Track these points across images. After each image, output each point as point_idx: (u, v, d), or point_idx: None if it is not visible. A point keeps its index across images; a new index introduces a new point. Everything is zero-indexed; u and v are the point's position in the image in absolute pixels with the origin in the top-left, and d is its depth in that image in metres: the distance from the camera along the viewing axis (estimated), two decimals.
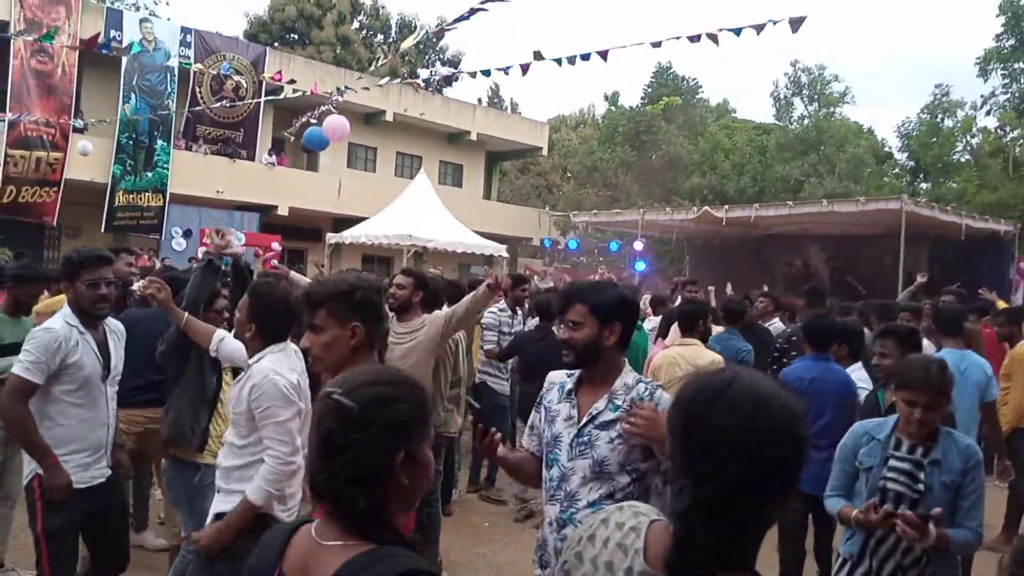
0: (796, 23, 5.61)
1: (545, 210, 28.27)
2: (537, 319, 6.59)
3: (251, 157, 21.40)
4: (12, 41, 16.64)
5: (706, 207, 16.69)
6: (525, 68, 7.04)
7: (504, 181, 37.05)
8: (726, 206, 16.60)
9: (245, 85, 19.26)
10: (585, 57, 6.75)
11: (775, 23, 5.56)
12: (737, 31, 5.65)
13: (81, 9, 18.49)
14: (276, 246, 17.21)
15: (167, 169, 19.51)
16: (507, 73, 7.57)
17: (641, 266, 17.36)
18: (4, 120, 16.22)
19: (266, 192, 20.97)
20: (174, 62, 19.47)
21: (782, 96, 26.24)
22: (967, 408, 4.97)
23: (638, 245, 17.70)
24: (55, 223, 18.24)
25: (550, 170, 38.38)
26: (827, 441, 4.50)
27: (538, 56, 6.60)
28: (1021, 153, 22.30)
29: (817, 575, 4.67)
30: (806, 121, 25.26)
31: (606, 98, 32.69)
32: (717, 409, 1.22)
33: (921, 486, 3.02)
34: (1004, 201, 19.55)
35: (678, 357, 5.06)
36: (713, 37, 5.76)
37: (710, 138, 25.61)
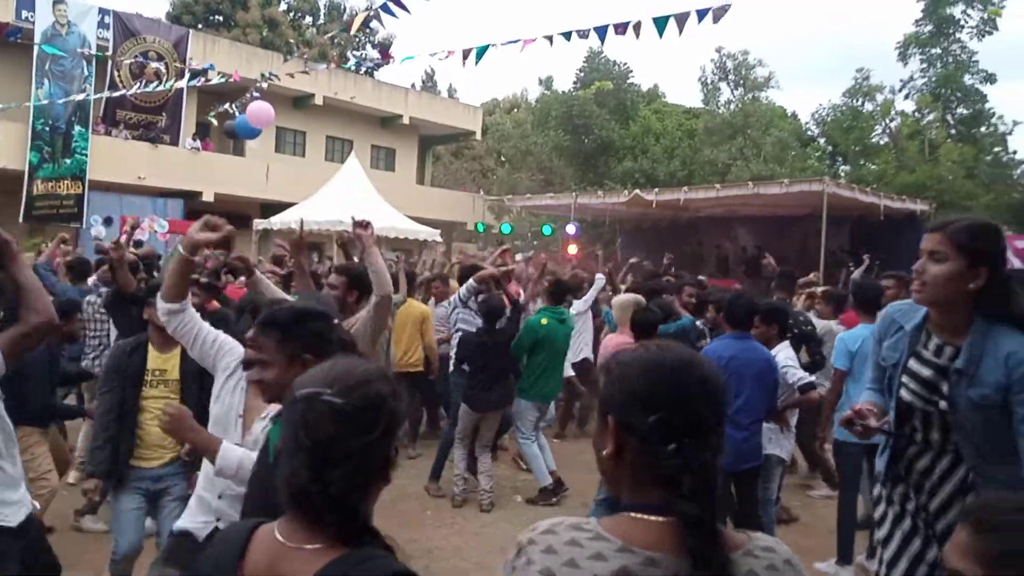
0: (720, 12, 5.70)
1: (479, 194, 28.20)
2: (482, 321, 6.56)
3: (175, 142, 20.78)
4: None
5: (637, 190, 16.87)
6: (467, 53, 7.01)
7: (438, 165, 36.81)
8: (656, 189, 16.82)
9: (166, 69, 18.64)
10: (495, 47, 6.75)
11: (701, 15, 5.62)
12: (662, 22, 5.71)
13: None
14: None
15: (86, 156, 18.81)
16: (444, 58, 7.51)
17: (574, 249, 17.47)
18: None
19: (191, 178, 20.39)
20: (91, 46, 18.72)
21: (709, 81, 26.69)
22: None
23: (571, 228, 17.81)
24: None
25: (484, 154, 38.28)
26: (749, 419, 4.64)
27: (466, 54, 6.58)
28: (937, 136, 23.15)
29: None
30: (732, 106, 25.74)
31: (540, 82, 32.76)
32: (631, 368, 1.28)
33: (943, 403, 2.41)
34: (921, 182, 20.29)
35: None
36: (637, 28, 5.81)
37: (641, 122, 25.89)
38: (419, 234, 18.49)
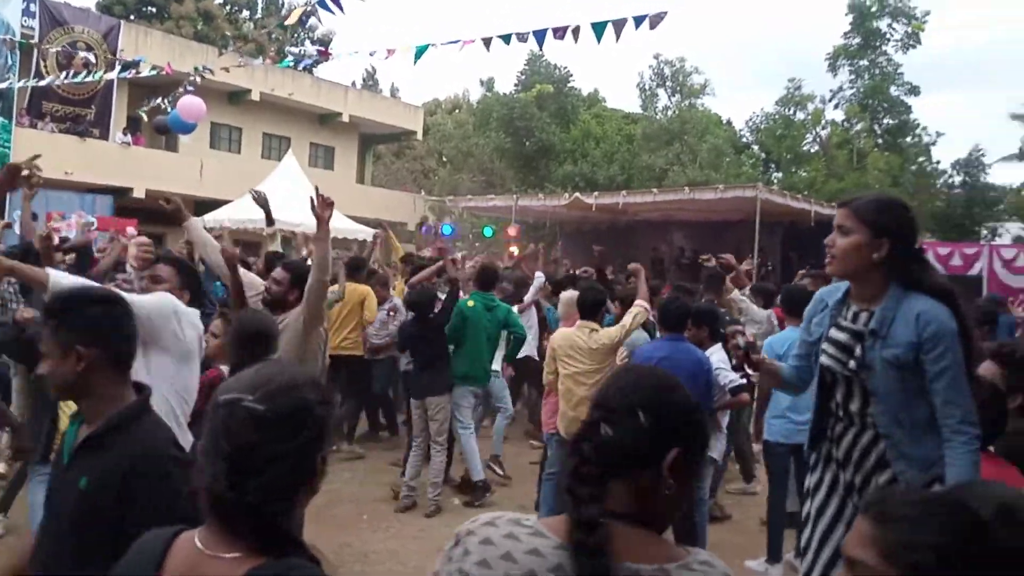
0: (656, 19, 5.79)
1: (420, 195, 28.08)
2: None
3: (104, 136, 20.11)
4: None
5: (577, 194, 17.04)
6: (420, 54, 6.97)
7: (379, 165, 36.48)
8: (596, 193, 17.01)
9: (95, 60, 18.04)
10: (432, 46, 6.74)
11: (638, 22, 5.71)
12: (600, 28, 5.78)
13: None
14: (132, 230, 16.25)
15: (8, 148, 18.04)
16: (385, 58, 7.45)
17: (514, 250, 17.53)
18: None
19: (121, 173, 19.75)
20: (15, 33, 17.99)
21: (647, 87, 27.12)
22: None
23: (511, 230, 17.88)
24: None
25: (425, 154, 38.09)
26: None
27: (391, 51, 6.51)
28: (865, 145, 23.98)
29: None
30: (670, 112, 26.22)
31: (482, 83, 32.75)
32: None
33: (853, 363, 2.54)
34: (849, 189, 21.00)
35: (575, 337, 5.28)
36: (576, 33, 5.87)
37: (582, 126, 26.15)
38: (358, 234, 18.28)
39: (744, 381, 5.31)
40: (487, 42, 6.61)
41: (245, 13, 35.40)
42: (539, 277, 8.58)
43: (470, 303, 6.53)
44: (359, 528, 5.69)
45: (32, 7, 18.57)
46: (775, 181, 24.16)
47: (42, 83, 15.15)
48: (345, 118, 26.25)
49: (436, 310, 6.51)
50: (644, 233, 19.22)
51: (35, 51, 17.94)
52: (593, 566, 1.17)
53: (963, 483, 1.95)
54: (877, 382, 2.51)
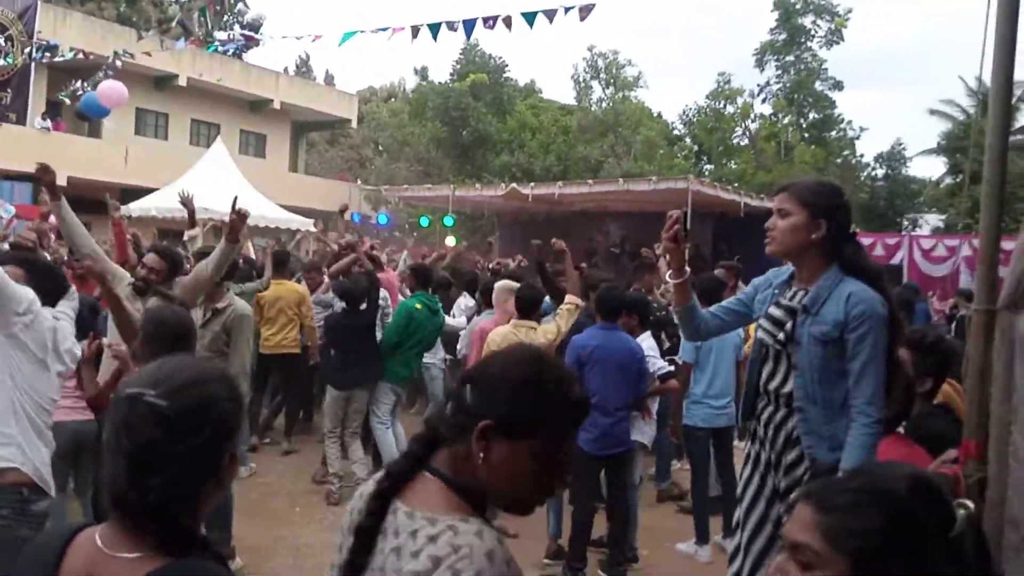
0: (585, 12, 5.84)
1: (356, 184, 27.73)
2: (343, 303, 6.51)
3: (22, 121, 19.24)
4: None
5: (514, 184, 17.08)
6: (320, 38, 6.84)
7: (312, 153, 35.88)
8: (532, 184, 17.08)
9: (10, 43, 17.23)
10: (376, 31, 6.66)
11: (567, 11, 5.74)
12: (531, 18, 5.79)
13: None
14: (52, 219, 15.65)
15: None
16: (312, 41, 7.32)
17: (452, 241, 17.47)
18: None
19: (41, 159, 18.82)
20: None
21: (582, 79, 27.31)
22: (726, 370, 5.50)
23: (448, 220, 17.82)
24: None
25: (361, 143, 37.61)
26: (614, 405, 4.81)
27: (318, 37, 6.40)
28: (792, 138, 24.64)
29: (608, 532, 4.93)
30: (604, 104, 26.47)
31: (416, 72, 32.45)
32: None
33: (782, 335, 2.66)
34: (777, 181, 21.58)
35: (513, 336, 5.21)
36: (508, 22, 5.87)
37: (518, 116, 26.19)
38: (292, 223, 17.98)
39: (672, 368, 5.45)
40: (415, 30, 6.55)
41: None
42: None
43: (417, 305, 6.45)
44: (291, 521, 5.63)
45: None
46: (706, 173, 24.64)
47: None
48: (277, 105, 25.74)
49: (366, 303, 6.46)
50: (580, 224, 19.37)
51: None
52: (372, 501, 1.32)
53: (868, 465, 2.06)
54: (801, 357, 2.63)
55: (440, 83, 27.82)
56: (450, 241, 17.29)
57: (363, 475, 6.12)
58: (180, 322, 3.41)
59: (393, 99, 41.05)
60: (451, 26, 6.12)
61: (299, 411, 7.90)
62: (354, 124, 30.07)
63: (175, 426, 1.24)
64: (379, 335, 6.61)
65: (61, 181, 18.71)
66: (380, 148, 34.22)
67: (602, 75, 26.91)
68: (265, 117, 26.43)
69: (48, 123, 19.84)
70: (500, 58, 27.61)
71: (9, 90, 19.01)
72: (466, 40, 25.67)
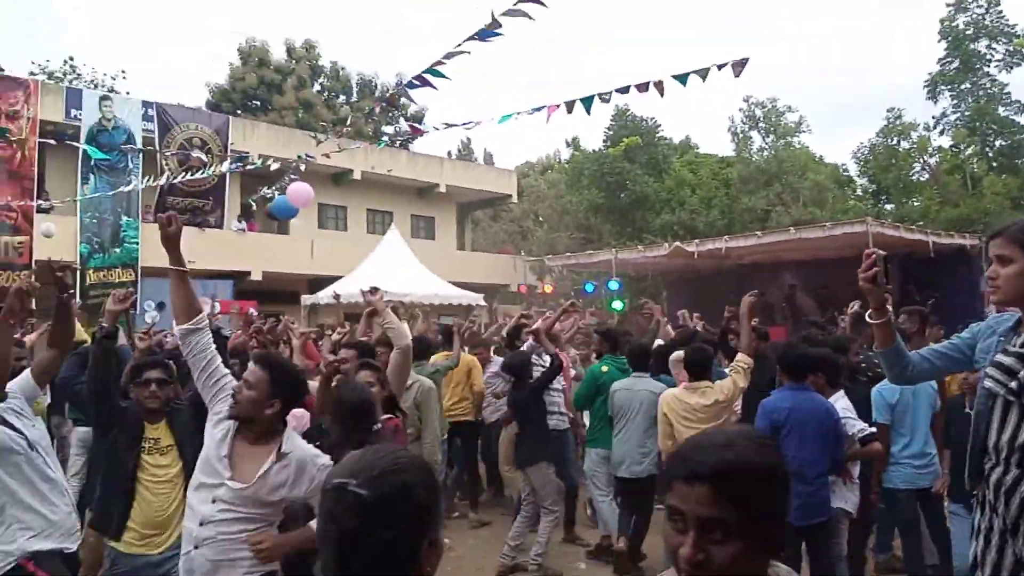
0: (738, 66, 5.72)
1: (520, 256, 28.38)
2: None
3: (220, 225, 21.33)
4: None
5: (677, 242, 16.83)
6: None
7: (477, 230, 37.22)
8: (697, 240, 16.76)
9: (209, 156, 19.26)
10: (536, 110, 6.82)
11: (720, 68, 5.65)
12: (683, 79, 5.74)
13: (41, 91, 18.51)
14: (253, 311, 17.03)
15: (136, 244, 19.40)
16: (471, 127, 7.64)
17: (619, 305, 17.37)
18: None
19: (238, 258, 20.89)
20: (135, 139, 19.44)
21: (739, 130, 26.75)
22: (924, 426, 5.11)
23: (613, 285, 17.77)
24: (33, 305, 17.84)
25: (521, 216, 38.64)
26: (814, 472, 4.50)
27: (476, 123, 6.62)
28: (978, 169, 22.79)
29: None
30: (765, 153, 25.72)
31: (568, 144, 33.09)
32: None
33: (1015, 383, 2.44)
34: (966, 216, 19.92)
35: (685, 398, 5.25)
36: (659, 86, 5.84)
37: (675, 175, 25.96)
38: (463, 299, 18.60)
39: (874, 430, 5.04)
40: (570, 106, 6.64)
41: (341, 98, 37.21)
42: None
43: (604, 368, 6.49)
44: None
45: (150, 112, 20.07)
46: (886, 213, 23.19)
47: (161, 182, 16.28)
48: (443, 188, 27.01)
49: (532, 375, 6.44)
50: (751, 277, 18.74)
51: (158, 154, 19.35)
52: None
53: None
54: None
55: (594, 150, 28.18)
56: (617, 305, 17.22)
57: (533, 554, 5.98)
58: (362, 398, 3.67)
59: (550, 171, 42.01)
60: (603, 97, 6.16)
61: (476, 480, 8.00)
62: (514, 198, 30.97)
63: (375, 514, 1.28)
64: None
65: (256, 276, 20.47)
66: (540, 219, 34.95)
67: (761, 124, 26.27)
68: (432, 201, 27.78)
69: (243, 225, 21.83)
70: (652, 119, 27.69)
71: (210, 198, 21.19)
72: (620, 106, 26.02)
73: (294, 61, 34.96)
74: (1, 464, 3.23)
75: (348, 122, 9.23)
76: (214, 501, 2.89)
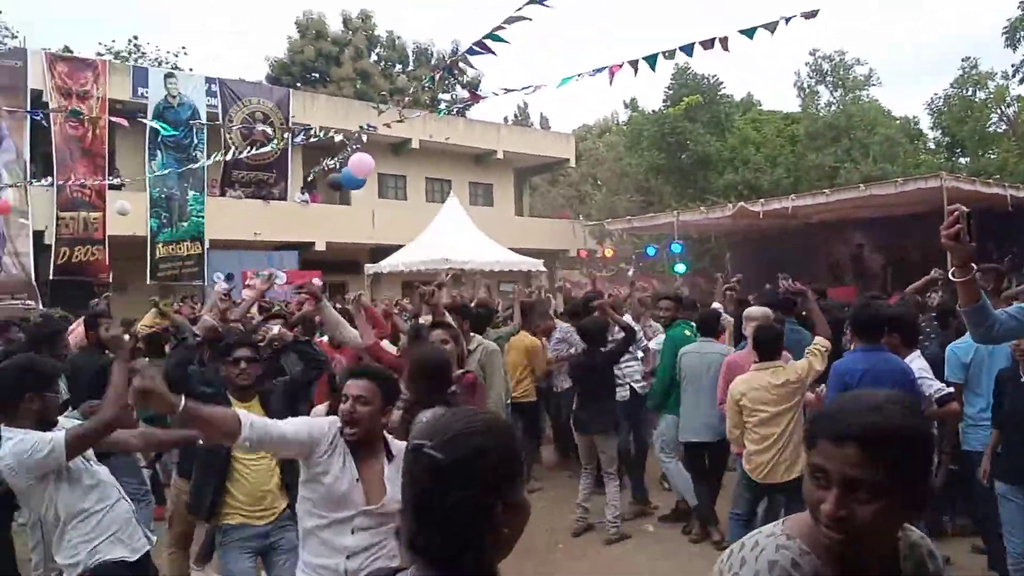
0: (809, 16, 5.51)
1: (579, 220, 28.19)
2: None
3: (283, 197, 21.73)
4: (49, 107, 17.17)
5: (741, 202, 16.49)
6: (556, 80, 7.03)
7: (535, 195, 37.06)
8: (762, 200, 16.38)
9: (272, 129, 19.54)
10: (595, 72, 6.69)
11: (787, 20, 5.45)
12: (750, 33, 5.54)
13: (108, 71, 19.01)
14: (317, 281, 17.34)
15: (202, 217, 19.90)
16: (531, 92, 7.56)
17: (681, 268, 17.14)
18: (52, 185, 16.73)
19: (302, 230, 21.26)
20: (200, 114, 19.84)
21: (805, 85, 25.83)
22: None
23: (675, 247, 17.53)
24: (110, 278, 18.45)
25: (580, 180, 38.30)
26: None
27: (536, 87, 6.50)
28: None
29: None
30: (833, 108, 24.83)
31: (626, 105, 32.47)
32: None
33: None
34: None
35: (760, 380, 5.05)
36: (725, 42, 5.66)
37: (738, 133, 25.28)
38: (522, 265, 18.61)
39: (951, 390, 4.89)
40: (634, 65, 6.49)
41: (398, 67, 37.26)
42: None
43: (687, 332, 6.52)
44: (555, 557, 5.70)
45: (213, 87, 20.45)
46: (961, 167, 22.23)
47: (228, 158, 16.63)
48: (500, 155, 26.92)
49: (607, 343, 6.43)
50: (819, 236, 18.28)
51: (222, 129, 19.74)
52: None
53: None
54: None
55: (653, 111, 27.63)
56: (679, 268, 16.99)
57: (611, 516, 6.09)
58: (438, 360, 3.79)
59: (608, 133, 41.48)
60: (668, 55, 6.01)
61: (535, 456, 8.09)
62: (572, 163, 30.69)
63: (448, 475, 1.29)
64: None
65: (320, 247, 20.85)
66: (599, 182, 34.59)
67: (828, 78, 25.32)
68: (490, 167, 27.73)
69: (306, 196, 22.18)
70: (714, 76, 26.94)
71: (273, 171, 21.57)
72: (686, 61, 25.41)
73: (351, 32, 35.08)
74: (67, 479, 3.18)
75: (412, 88, 9.22)
76: (354, 532, 2.82)
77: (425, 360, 3.78)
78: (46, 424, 3.21)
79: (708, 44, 6.04)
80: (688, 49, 6.17)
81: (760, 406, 4.97)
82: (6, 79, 17.39)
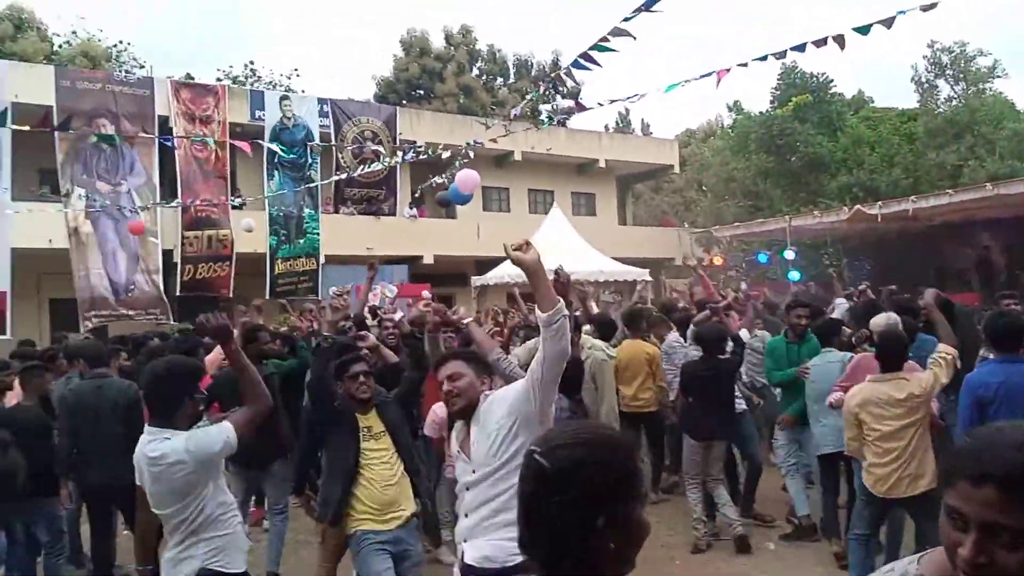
0: (928, 8, 5.26)
1: (684, 227, 27.75)
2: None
3: (393, 212, 22.35)
4: (174, 132, 18.27)
5: (857, 205, 15.86)
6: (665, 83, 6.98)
7: (638, 203, 36.72)
8: (879, 202, 15.72)
9: (381, 146, 20.13)
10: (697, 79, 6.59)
11: (903, 13, 5.22)
12: (865, 30, 5.33)
13: (228, 95, 20.06)
14: (427, 294, 17.77)
15: (317, 234, 20.69)
16: (636, 101, 7.53)
17: (796, 275, 16.58)
18: (179, 206, 17.78)
19: (411, 244, 21.82)
20: (313, 135, 20.65)
21: (923, 80, 24.59)
22: None
23: (789, 254, 16.97)
24: (231, 294, 19.34)
25: (685, 186, 37.69)
26: None
27: (640, 96, 6.43)
28: None
29: None
30: (954, 102, 23.54)
31: (729, 108, 31.71)
32: None
33: None
34: None
35: (878, 394, 4.73)
36: (840, 40, 5.46)
37: (851, 132, 24.30)
38: (627, 275, 18.46)
39: None
40: (744, 67, 6.35)
41: (499, 80, 37.73)
42: (841, 303, 8.12)
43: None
44: (671, 572, 5.62)
45: (325, 108, 21.27)
46: None
47: (343, 176, 17.31)
48: (602, 163, 26.84)
49: (724, 349, 6.32)
50: (942, 239, 17.35)
51: (334, 149, 20.52)
52: None
53: None
54: None
55: (760, 112, 26.92)
56: (793, 275, 16.46)
57: (734, 516, 6.02)
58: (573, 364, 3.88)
59: (712, 137, 40.69)
60: (779, 55, 5.85)
61: (663, 464, 7.94)
62: (676, 169, 30.25)
63: (551, 484, 1.33)
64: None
65: (428, 260, 21.28)
66: (704, 188, 33.96)
67: (948, 71, 24.04)
68: (592, 176, 27.68)
69: (414, 211, 22.75)
70: (823, 74, 26.03)
71: (383, 187, 22.23)
72: (793, 62, 24.68)
73: (452, 48, 35.81)
74: (215, 480, 3.26)
75: (521, 104, 9.33)
76: (468, 488, 3.01)
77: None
78: (192, 426, 3.31)
79: (821, 43, 5.86)
80: (801, 48, 6.00)
81: (882, 423, 4.68)
82: (135, 107, 18.59)
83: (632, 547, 1.37)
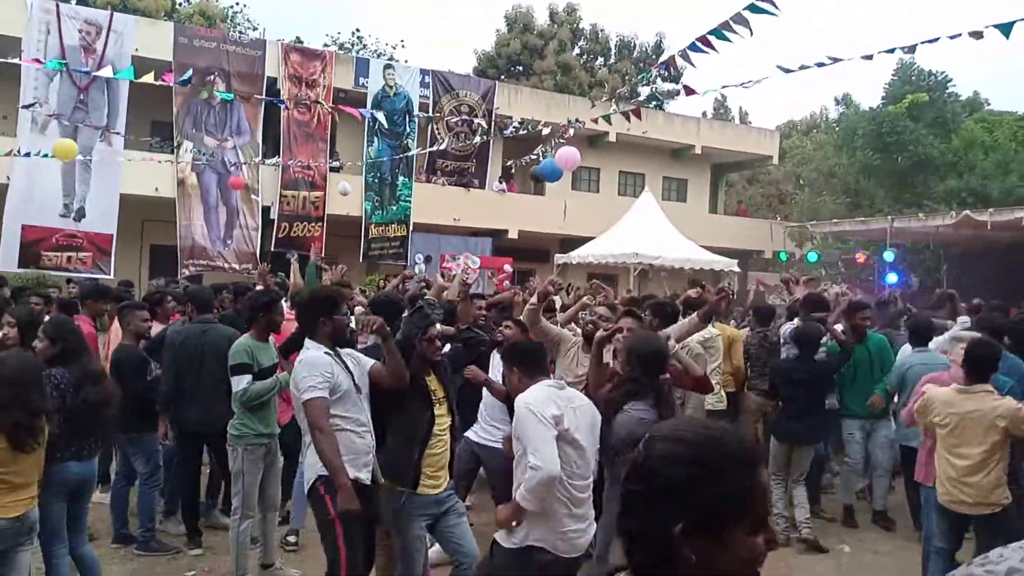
0: None
1: (777, 221, 27.01)
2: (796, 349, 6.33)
3: (482, 185, 22.54)
4: (281, 95, 18.80)
5: (966, 211, 15.13)
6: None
7: (731, 193, 35.92)
8: (990, 209, 14.96)
9: (478, 120, 20.26)
10: (820, 65, 6.39)
11: None
12: (1006, 29, 5.04)
13: (335, 61, 20.52)
14: (508, 268, 17.93)
15: (409, 202, 21.07)
16: (748, 87, 7.37)
17: (893, 278, 15.96)
18: (279, 165, 18.38)
19: (497, 217, 21.96)
20: (412, 104, 20.95)
21: None
22: None
23: (888, 255, 16.35)
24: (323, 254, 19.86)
25: (781, 179, 36.65)
26: None
27: (784, 69, 6.24)
28: None
29: None
30: None
31: (837, 101, 30.56)
32: None
33: None
34: None
35: (962, 401, 4.45)
36: (978, 36, 5.19)
37: (965, 135, 23.10)
38: (714, 264, 18.17)
39: None
40: (868, 59, 6.14)
41: (599, 60, 37.34)
42: (963, 321, 7.84)
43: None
44: None
45: (426, 79, 21.53)
46: None
47: (440, 147, 17.59)
48: (698, 150, 26.35)
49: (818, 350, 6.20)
50: None
51: (431, 118, 20.80)
52: None
53: None
54: None
55: (869, 108, 25.84)
56: (891, 279, 15.87)
57: (803, 518, 5.94)
58: (653, 348, 3.96)
59: (815, 131, 39.37)
60: (908, 49, 5.62)
61: None
62: (775, 161, 29.43)
63: (640, 474, 1.30)
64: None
65: (513, 235, 21.43)
66: (802, 182, 32.95)
67: None
68: (686, 162, 27.21)
69: (503, 186, 22.86)
70: (942, 73, 24.77)
71: (474, 160, 22.42)
72: (913, 57, 23.61)
73: (556, 25, 35.60)
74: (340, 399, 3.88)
75: (624, 87, 9.28)
76: None
77: (640, 350, 3.92)
78: (339, 343, 4.07)
79: (956, 37, 5.60)
80: (932, 42, 5.75)
81: (950, 433, 4.45)
82: (246, 67, 19.22)
83: (714, 568, 1.24)
